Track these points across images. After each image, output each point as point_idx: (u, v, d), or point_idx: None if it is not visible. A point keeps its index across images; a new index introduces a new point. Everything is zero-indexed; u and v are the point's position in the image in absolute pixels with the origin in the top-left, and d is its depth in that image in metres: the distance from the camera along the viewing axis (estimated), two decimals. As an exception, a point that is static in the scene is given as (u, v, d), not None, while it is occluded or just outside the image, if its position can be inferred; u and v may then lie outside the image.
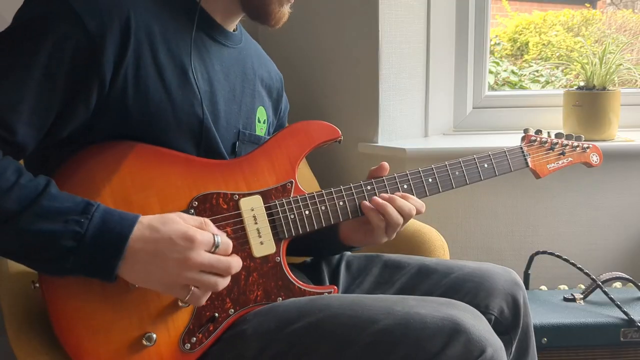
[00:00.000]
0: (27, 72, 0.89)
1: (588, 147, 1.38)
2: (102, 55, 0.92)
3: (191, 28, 1.04)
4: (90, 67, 0.92)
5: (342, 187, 1.11)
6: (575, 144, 1.36)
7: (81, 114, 0.94)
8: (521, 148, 1.30)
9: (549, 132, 1.36)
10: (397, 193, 1.13)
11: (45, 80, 0.90)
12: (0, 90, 0.88)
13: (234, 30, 1.14)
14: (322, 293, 1.08)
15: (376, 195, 1.12)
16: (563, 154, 1.34)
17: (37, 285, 0.94)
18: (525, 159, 1.29)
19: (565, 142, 1.36)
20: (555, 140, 1.34)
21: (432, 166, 1.18)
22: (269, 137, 1.11)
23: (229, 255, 0.95)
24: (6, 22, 0.95)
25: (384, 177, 1.14)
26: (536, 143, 1.32)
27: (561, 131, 1.38)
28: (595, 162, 1.39)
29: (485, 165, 1.23)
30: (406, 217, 1.11)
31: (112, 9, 0.94)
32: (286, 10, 1.10)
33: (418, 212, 1.13)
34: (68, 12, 0.91)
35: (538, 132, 1.34)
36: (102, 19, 0.92)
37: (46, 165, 0.97)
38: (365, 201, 1.11)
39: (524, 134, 1.34)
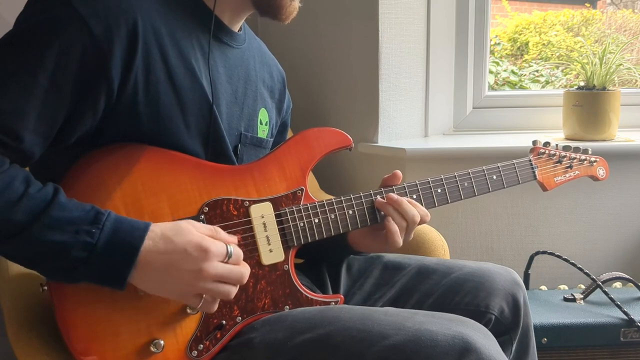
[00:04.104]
0: (33, 79, 0.87)
1: (595, 161, 1.36)
2: (110, 60, 0.90)
3: (198, 29, 1.03)
4: (98, 72, 0.90)
5: (352, 196, 1.11)
6: (583, 157, 1.35)
7: (88, 120, 0.93)
8: (529, 160, 1.28)
9: (557, 145, 1.34)
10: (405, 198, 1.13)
11: (51, 86, 0.88)
12: (5, 97, 0.86)
13: (238, 31, 1.13)
14: (329, 302, 1.08)
15: None
16: (570, 167, 1.33)
17: (46, 288, 0.93)
18: (534, 172, 1.28)
19: (573, 155, 1.34)
20: (563, 153, 1.33)
21: (442, 176, 1.17)
22: (280, 145, 1.10)
23: (239, 264, 0.94)
24: (6, 23, 0.94)
25: (393, 187, 1.14)
26: (544, 155, 1.30)
27: (569, 144, 1.36)
28: (602, 176, 1.37)
29: (494, 177, 1.22)
30: (410, 221, 1.11)
31: (118, 13, 0.91)
32: (297, 4, 1.09)
33: (422, 221, 1.13)
34: (73, 16, 0.88)
35: (546, 144, 1.32)
36: (108, 23, 0.90)
37: (53, 169, 0.96)
38: (381, 199, 1.11)
39: (532, 146, 1.32)
